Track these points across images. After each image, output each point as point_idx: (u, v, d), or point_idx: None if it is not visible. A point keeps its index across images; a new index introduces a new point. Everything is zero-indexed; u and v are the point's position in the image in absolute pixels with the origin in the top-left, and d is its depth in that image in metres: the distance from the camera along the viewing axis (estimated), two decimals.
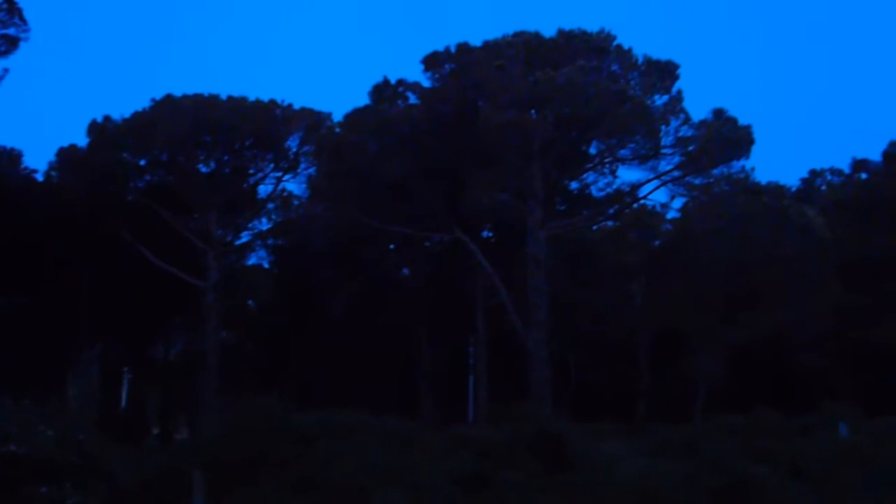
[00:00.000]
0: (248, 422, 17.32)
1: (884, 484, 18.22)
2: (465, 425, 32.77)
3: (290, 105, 37.24)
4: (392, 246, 42.69)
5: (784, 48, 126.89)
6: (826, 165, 45.85)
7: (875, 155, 42.85)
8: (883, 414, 27.29)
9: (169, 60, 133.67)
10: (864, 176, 43.28)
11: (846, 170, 44.55)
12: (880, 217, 39.06)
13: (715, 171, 34.89)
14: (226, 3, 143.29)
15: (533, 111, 31.97)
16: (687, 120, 33.33)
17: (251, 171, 38.73)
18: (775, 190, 41.13)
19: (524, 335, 33.21)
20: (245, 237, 41.78)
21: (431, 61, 34.09)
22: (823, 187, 45.40)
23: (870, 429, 23.75)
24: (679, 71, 33.51)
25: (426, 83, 34.64)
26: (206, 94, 36.25)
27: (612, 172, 35.77)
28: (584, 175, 36.67)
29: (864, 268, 38.35)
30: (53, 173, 38.49)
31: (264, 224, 41.52)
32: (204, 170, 37.89)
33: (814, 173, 45.88)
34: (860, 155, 44.34)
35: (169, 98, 36.14)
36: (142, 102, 46.82)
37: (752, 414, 26.16)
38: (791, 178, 55.07)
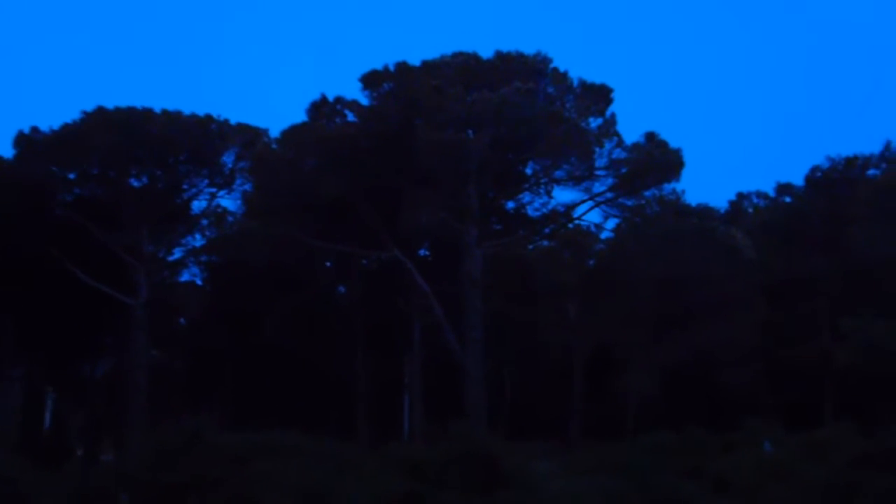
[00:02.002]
0: (177, 443, 16.95)
1: (806, 498, 18.78)
2: (399, 444, 32.55)
3: (226, 120, 36.82)
4: (328, 263, 42.41)
5: (715, 77, 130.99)
6: (753, 189, 47.29)
7: (798, 179, 44.48)
8: (805, 429, 28.18)
9: (102, 73, 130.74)
10: (787, 199, 44.75)
11: (771, 193, 46.02)
12: (803, 239, 40.42)
13: (647, 193, 35.89)
14: (162, 16, 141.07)
15: (470, 131, 32.33)
16: (620, 143, 34.14)
17: (185, 187, 38.08)
18: (704, 212, 42.34)
19: (460, 353, 33.33)
20: (178, 253, 41.05)
21: (370, 79, 34.16)
22: (750, 210, 46.74)
23: (792, 444, 24.49)
24: (613, 94, 34.34)
25: (364, 101, 34.71)
26: (139, 108, 35.55)
27: (548, 193, 36.39)
28: (520, 195, 37.18)
29: (787, 288, 39.61)
30: None
31: (198, 240, 40.86)
32: (136, 184, 37.09)
33: (741, 196, 47.22)
34: (784, 179, 45.98)
35: (101, 110, 35.31)
36: (72, 114, 45.68)
37: (681, 431, 26.71)
38: (719, 200, 56.65)
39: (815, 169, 43.18)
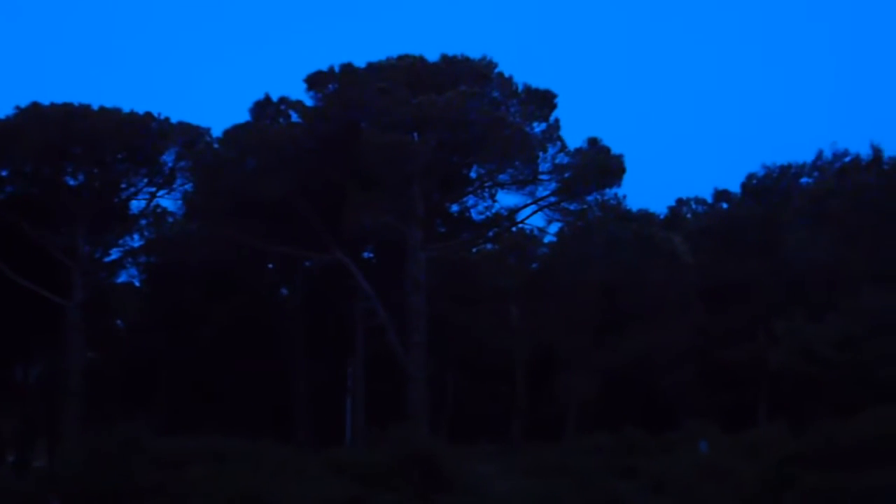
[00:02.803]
0: (112, 448, 16.58)
1: (740, 496, 19.30)
2: (341, 448, 32.41)
3: (166, 119, 36.03)
4: (271, 266, 41.91)
5: (655, 85, 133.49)
6: (692, 195, 48.11)
7: (735, 186, 45.56)
8: (740, 429, 28.93)
9: (37, 68, 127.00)
10: (724, 205, 45.77)
11: (709, 199, 46.98)
12: (739, 244, 41.41)
13: (589, 198, 36.38)
14: (101, 12, 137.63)
15: (415, 134, 32.34)
16: (563, 148, 34.56)
17: (123, 186, 37.24)
18: (644, 217, 43.04)
19: (403, 357, 33.30)
20: (115, 254, 40.13)
21: (315, 80, 33.92)
22: (689, 215, 47.63)
23: (727, 444, 25.14)
24: (556, 100, 34.74)
25: (309, 102, 34.43)
26: (76, 104, 34.60)
27: (492, 196, 36.66)
28: (465, 198, 37.38)
29: (723, 292, 40.52)
30: None
31: (136, 241, 40.02)
32: (71, 182, 36.18)
33: (680, 202, 48.02)
34: (722, 186, 46.98)
35: (35, 106, 34.26)
36: (5, 110, 44.29)
37: (620, 432, 27.18)
38: (659, 206, 57.62)
39: (750, 176, 44.32)
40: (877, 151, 40.38)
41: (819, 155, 43.12)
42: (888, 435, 18.82)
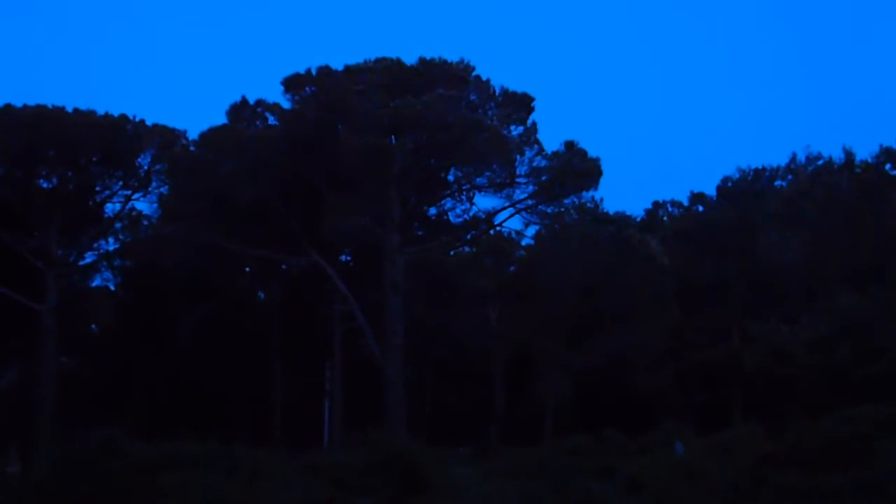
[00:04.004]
0: (86, 454, 16.41)
1: (715, 497, 19.44)
2: (319, 451, 32.31)
3: (142, 121, 35.75)
4: (247, 269, 41.71)
5: (632, 88, 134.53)
6: (668, 198, 48.56)
7: (710, 189, 46.05)
8: (715, 430, 29.20)
9: (10, 70, 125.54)
10: (700, 208, 46.24)
11: (685, 202, 47.47)
12: (714, 247, 41.83)
13: (566, 201, 36.50)
14: (76, 13, 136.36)
15: (393, 137, 32.30)
16: (541, 151, 34.64)
17: (98, 189, 36.88)
18: (621, 220, 43.38)
19: (381, 359, 33.25)
20: (90, 258, 39.72)
21: (292, 83, 33.78)
22: (665, 218, 48.05)
23: (702, 445, 25.35)
24: (534, 103, 34.83)
25: (286, 105, 34.29)
26: (49, 106, 34.26)
27: (469, 199, 36.62)
28: (442, 201, 37.32)
29: (699, 294, 40.91)
30: None
31: (111, 244, 39.64)
32: (45, 185, 35.78)
33: (656, 205, 48.51)
34: (698, 189, 47.45)
35: (8, 108, 33.89)
36: None
37: (597, 434, 27.33)
38: (636, 208, 58.12)
39: (726, 179, 44.84)
40: (849, 155, 41.04)
41: (793, 158, 43.73)
42: (860, 434, 19.09)
